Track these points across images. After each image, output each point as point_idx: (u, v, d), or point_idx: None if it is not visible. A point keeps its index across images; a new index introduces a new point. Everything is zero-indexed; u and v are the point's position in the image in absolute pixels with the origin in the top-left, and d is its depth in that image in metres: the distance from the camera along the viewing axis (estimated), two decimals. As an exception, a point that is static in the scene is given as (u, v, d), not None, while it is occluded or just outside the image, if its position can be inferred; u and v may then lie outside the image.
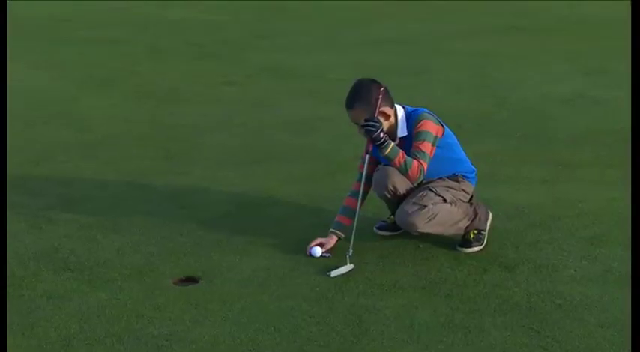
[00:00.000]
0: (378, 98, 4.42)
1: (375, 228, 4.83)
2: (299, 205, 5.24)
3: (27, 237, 4.78)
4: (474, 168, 4.78)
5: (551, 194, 5.48)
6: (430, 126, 4.50)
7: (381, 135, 4.36)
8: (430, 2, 12.77)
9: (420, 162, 4.41)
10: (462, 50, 9.57)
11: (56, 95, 8.00)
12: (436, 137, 4.53)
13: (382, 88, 4.48)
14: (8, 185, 5.39)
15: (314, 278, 4.24)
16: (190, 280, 4.28)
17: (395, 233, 4.75)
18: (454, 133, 4.74)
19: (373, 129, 4.33)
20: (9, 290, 4.01)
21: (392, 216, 4.72)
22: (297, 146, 6.44)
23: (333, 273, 4.27)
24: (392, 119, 4.55)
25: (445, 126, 4.62)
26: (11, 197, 5.16)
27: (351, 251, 4.35)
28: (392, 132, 4.53)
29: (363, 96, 4.47)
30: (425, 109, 4.65)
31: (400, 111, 4.59)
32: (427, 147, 4.46)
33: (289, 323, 3.82)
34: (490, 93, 7.88)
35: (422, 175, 4.46)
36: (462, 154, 4.76)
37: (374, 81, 4.57)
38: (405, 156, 4.41)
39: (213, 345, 3.66)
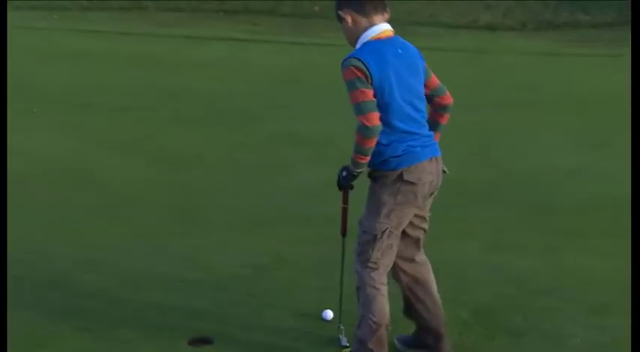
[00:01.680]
0: None
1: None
2: (308, 268, 5.18)
3: (49, 297, 4.73)
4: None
5: (556, 262, 5.43)
6: (346, 74, 3.66)
7: (342, 177, 3.86)
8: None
9: (358, 121, 3.62)
10: (466, 122, 9.60)
11: (78, 158, 8.01)
12: (353, 80, 3.63)
13: None
14: (32, 245, 5.40)
15: (325, 342, 4.17)
16: (205, 341, 4.21)
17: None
18: None
19: (340, 181, 3.91)
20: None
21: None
22: (307, 210, 6.39)
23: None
24: (348, 25, 3.76)
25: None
26: (31, 257, 5.18)
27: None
28: (352, 44, 3.79)
29: None
30: (359, 53, 3.69)
31: (367, 31, 3.73)
32: (351, 97, 3.65)
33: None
34: (494, 163, 7.89)
35: (364, 132, 3.60)
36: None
37: None
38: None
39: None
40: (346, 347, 4.10)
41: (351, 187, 3.92)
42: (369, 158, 3.71)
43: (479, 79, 12.61)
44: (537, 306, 4.70)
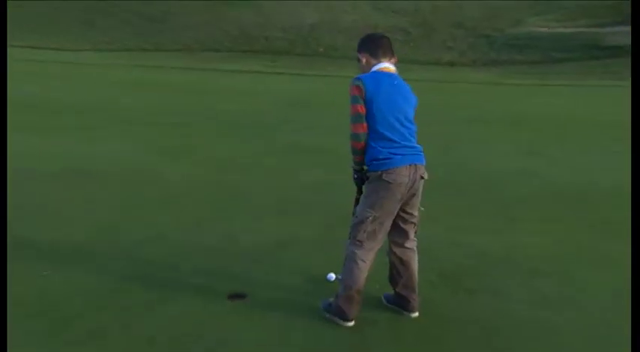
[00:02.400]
0: (360, 41, 3.90)
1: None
2: (317, 244, 5.17)
3: (123, 264, 4.73)
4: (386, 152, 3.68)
5: (502, 239, 5.41)
6: (351, 90, 3.72)
7: (355, 179, 3.86)
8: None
9: (350, 128, 3.72)
10: (433, 133, 9.60)
11: (143, 161, 8.02)
12: (354, 96, 3.69)
13: (368, 35, 3.97)
14: (110, 226, 5.39)
15: (327, 296, 4.11)
16: (240, 296, 4.21)
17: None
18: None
19: (356, 180, 3.88)
20: (103, 304, 3.96)
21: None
22: (315, 201, 6.39)
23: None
24: (364, 64, 3.84)
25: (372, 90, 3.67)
26: (109, 235, 5.17)
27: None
28: None
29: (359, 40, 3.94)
30: (363, 75, 3.77)
31: (374, 66, 3.80)
32: (351, 109, 3.71)
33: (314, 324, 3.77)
34: (455, 165, 7.89)
35: (353, 136, 3.72)
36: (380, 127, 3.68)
37: (376, 34, 4.03)
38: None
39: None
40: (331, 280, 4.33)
41: (362, 182, 3.82)
42: (360, 157, 3.74)
43: (442, 101, 12.60)
44: (488, 272, 4.70)
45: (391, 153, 3.65)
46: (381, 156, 3.65)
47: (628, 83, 15.39)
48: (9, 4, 24.47)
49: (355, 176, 3.85)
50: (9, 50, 20.21)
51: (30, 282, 4.36)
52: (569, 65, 18.70)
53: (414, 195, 3.77)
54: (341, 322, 3.80)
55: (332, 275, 4.41)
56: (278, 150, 8.71)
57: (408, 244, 3.92)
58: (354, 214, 3.87)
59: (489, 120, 11.16)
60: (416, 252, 3.96)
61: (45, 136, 9.18)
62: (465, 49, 20.87)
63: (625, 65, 17.87)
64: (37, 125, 10.01)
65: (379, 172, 3.65)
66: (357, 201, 3.90)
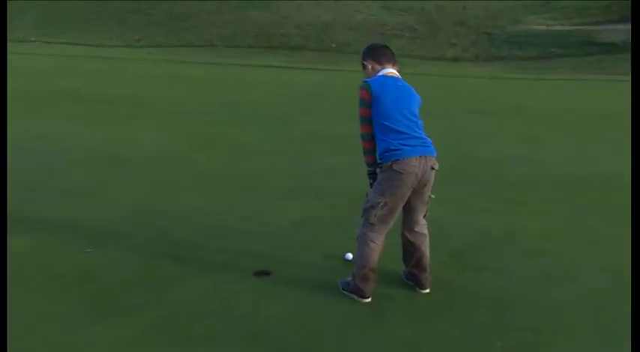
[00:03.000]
0: (364, 50, 3.95)
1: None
2: (332, 224, 5.14)
3: (154, 242, 4.73)
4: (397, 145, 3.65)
5: (505, 220, 5.36)
6: (359, 93, 3.75)
7: (371, 184, 3.84)
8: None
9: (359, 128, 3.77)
10: (440, 125, 9.51)
11: (171, 147, 7.99)
12: (361, 100, 3.73)
13: (371, 44, 4.03)
14: (143, 208, 5.38)
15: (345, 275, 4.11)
16: (265, 273, 4.20)
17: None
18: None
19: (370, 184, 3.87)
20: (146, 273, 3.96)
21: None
22: (330, 184, 6.33)
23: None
24: (369, 70, 3.87)
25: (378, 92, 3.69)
26: (140, 215, 5.17)
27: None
28: None
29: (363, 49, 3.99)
30: (370, 79, 3.80)
31: (380, 72, 3.84)
32: (359, 112, 3.75)
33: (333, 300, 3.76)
34: (461, 153, 7.80)
35: (361, 136, 3.78)
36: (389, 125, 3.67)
37: (378, 44, 4.10)
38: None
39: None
40: (348, 260, 4.29)
41: (374, 179, 3.81)
42: (370, 158, 3.79)
43: (447, 95, 12.49)
44: (492, 250, 4.67)
45: (401, 145, 3.64)
46: (391, 147, 3.64)
47: (622, 77, 15.28)
48: (54, 3, 24.62)
49: (370, 174, 3.84)
50: (53, 46, 20.33)
51: (71, 258, 4.38)
52: (565, 60, 18.44)
53: (424, 185, 3.75)
54: (359, 299, 3.80)
55: (349, 255, 4.38)
56: (297, 138, 8.62)
57: (417, 228, 3.90)
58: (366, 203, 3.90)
59: (489, 112, 11.04)
60: (427, 234, 3.93)
61: (87, 125, 9.16)
62: (467, 45, 20.65)
63: (618, 60, 17.68)
64: (83, 114, 9.99)
65: (390, 162, 3.64)
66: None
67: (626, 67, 17.62)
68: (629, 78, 4.66)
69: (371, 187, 3.83)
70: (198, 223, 5.13)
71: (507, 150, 8.09)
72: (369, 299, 3.79)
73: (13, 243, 4.33)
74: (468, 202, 5.85)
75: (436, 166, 3.75)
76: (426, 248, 3.93)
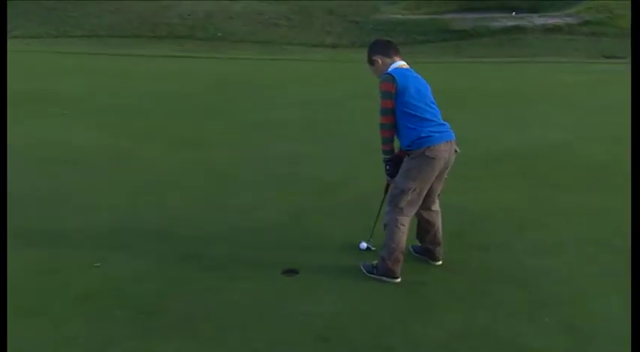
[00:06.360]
0: (370, 46, 3.77)
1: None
2: (304, 212, 4.84)
3: (177, 241, 4.19)
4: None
5: (473, 198, 5.27)
6: (382, 85, 3.59)
7: (387, 170, 3.72)
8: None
9: (380, 119, 3.62)
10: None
11: (121, 146, 7.17)
12: (386, 92, 3.57)
13: (375, 40, 3.84)
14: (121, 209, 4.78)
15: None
16: (293, 271, 3.86)
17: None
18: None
19: (387, 171, 3.74)
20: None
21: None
22: (295, 173, 5.96)
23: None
24: (380, 65, 3.69)
25: (403, 83, 3.55)
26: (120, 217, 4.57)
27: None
28: (378, 76, 3.71)
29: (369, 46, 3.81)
30: (391, 71, 3.63)
31: (392, 65, 3.67)
32: (381, 103, 3.60)
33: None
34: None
35: (382, 126, 3.61)
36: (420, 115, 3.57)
37: (382, 39, 3.89)
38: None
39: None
40: (369, 249, 4.09)
41: (395, 167, 3.68)
42: (389, 146, 3.66)
43: (342, 76, 12.37)
44: (492, 228, 4.62)
45: (431, 132, 3.58)
46: (422, 135, 3.57)
47: (478, 59, 16.02)
48: None
49: (387, 165, 3.69)
50: None
51: (85, 274, 3.74)
52: (428, 46, 19.16)
53: (447, 167, 3.73)
54: (390, 280, 3.70)
55: (364, 244, 4.16)
56: (238, 128, 8.07)
57: (433, 207, 3.91)
58: (385, 191, 3.82)
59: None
60: (439, 211, 3.94)
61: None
62: (341, 32, 20.79)
63: (473, 45, 18.76)
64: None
65: (422, 149, 3.56)
66: (386, 189, 3.81)
67: (481, 51, 18.69)
68: (487, 60, 4.71)
69: (386, 173, 3.73)
70: (199, 223, 4.62)
71: (470, 133, 8.01)
72: (399, 279, 3.70)
73: (12, 266, 3.58)
74: (465, 185, 5.46)
75: (459, 150, 3.74)
76: (439, 223, 3.95)
